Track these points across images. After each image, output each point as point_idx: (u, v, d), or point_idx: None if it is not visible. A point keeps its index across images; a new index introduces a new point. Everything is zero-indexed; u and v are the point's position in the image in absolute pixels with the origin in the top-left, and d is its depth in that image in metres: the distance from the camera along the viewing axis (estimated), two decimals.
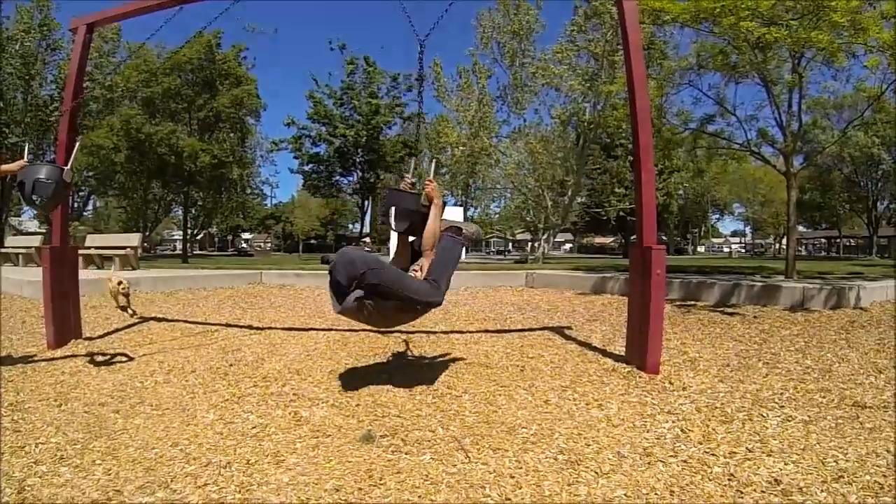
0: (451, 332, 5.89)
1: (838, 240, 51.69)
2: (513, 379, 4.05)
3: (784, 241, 33.30)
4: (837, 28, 7.74)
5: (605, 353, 4.81)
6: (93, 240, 14.86)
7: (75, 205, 31.40)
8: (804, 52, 9.70)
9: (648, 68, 10.16)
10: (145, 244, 31.66)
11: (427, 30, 4.26)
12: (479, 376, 4.10)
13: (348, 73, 23.86)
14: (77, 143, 5.25)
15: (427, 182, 3.70)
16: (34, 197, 4.26)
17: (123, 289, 5.23)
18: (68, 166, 4.53)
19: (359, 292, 3.18)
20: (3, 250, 15.63)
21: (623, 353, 4.62)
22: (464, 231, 3.86)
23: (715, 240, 68.57)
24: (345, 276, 3.17)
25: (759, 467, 2.52)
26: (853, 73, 11.49)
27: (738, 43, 9.13)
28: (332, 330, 6.01)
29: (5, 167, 4.29)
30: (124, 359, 4.65)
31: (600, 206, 29.09)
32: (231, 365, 4.51)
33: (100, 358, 4.66)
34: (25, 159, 4.37)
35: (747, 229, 64.47)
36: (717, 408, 3.34)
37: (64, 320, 5.21)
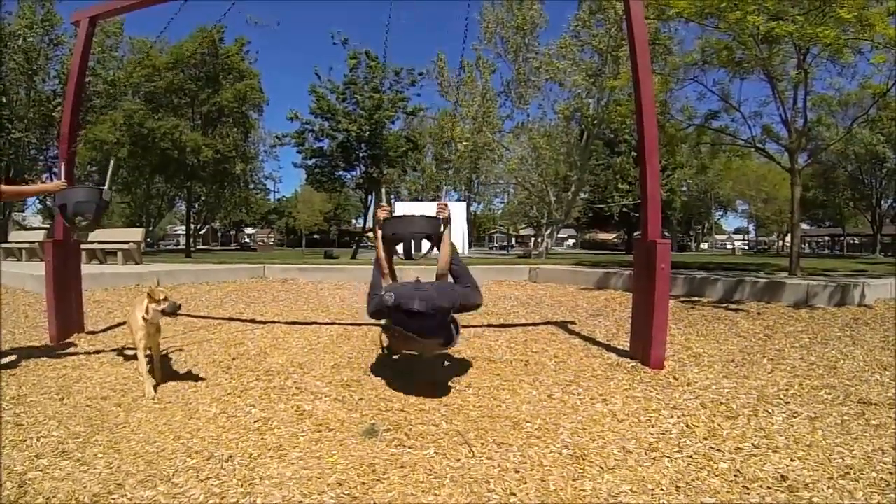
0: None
1: (842, 237, 51.54)
2: (517, 373, 4.04)
3: (787, 238, 33.21)
4: (844, 24, 7.68)
5: (609, 347, 4.79)
6: (96, 234, 14.82)
7: None
8: (810, 49, 9.65)
9: (653, 63, 10.10)
10: (148, 239, 31.71)
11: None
12: (483, 371, 4.09)
13: (351, 67, 23.79)
14: (112, 161, 5.46)
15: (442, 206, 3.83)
16: (77, 218, 4.46)
17: (163, 301, 3.74)
18: (105, 186, 4.66)
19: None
20: (7, 245, 15.64)
21: (627, 349, 4.61)
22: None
23: (718, 237, 68.38)
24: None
25: (764, 463, 2.51)
26: (859, 70, 11.41)
27: (743, 38, 9.07)
28: (335, 324, 6.00)
29: (45, 186, 4.44)
30: (127, 353, 4.64)
31: (603, 202, 29.06)
32: (234, 359, 4.51)
33: (102, 352, 4.66)
34: (62, 178, 4.66)
35: (751, 226, 64.32)
36: (722, 404, 3.33)
37: (67, 314, 5.20)
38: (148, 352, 3.79)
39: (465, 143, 22.64)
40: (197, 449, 2.70)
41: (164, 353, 4.74)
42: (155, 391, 3.61)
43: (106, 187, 4.64)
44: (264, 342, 5.13)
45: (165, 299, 3.77)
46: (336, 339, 5.24)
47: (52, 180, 25.82)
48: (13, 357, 4.08)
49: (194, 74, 25.18)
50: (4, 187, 4.11)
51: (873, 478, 2.37)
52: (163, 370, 3.97)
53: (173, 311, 3.81)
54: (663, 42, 13.85)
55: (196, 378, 3.96)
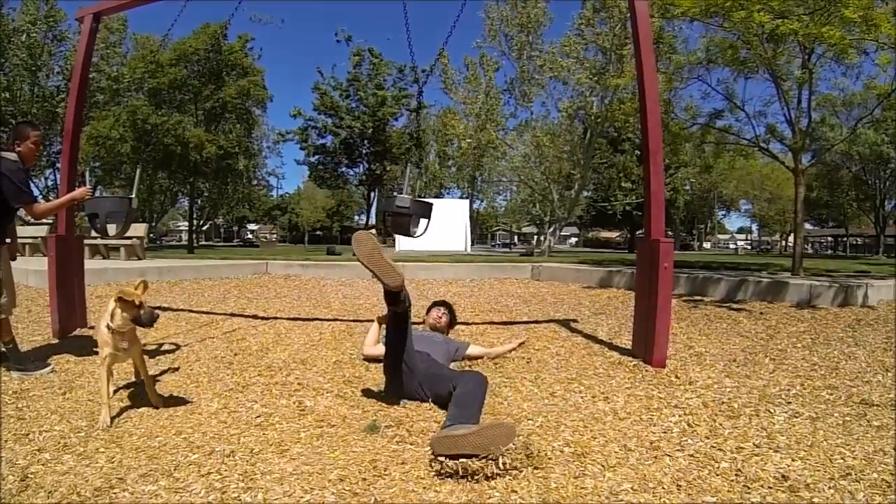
0: (458, 323, 5.87)
1: (845, 238, 51.43)
2: (518, 371, 4.04)
3: (790, 238, 33.12)
4: (849, 23, 7.64)
5: (611, 346, 4.78)
6: None
7: None
8: (815, 48, 9.62)
9: (657, 62, 10.10)
10: (151, 234, 31.77)
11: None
12: (485, 367, 4.08)
13: (354, 64, 23.84)
14: (138, 170, 5.59)
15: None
16: (108, 227, 4.63)
17: (136, 307, 2.94)
18: (133, 195, 4.77)
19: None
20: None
21: (629, 347, 4.61)
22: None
23: (721, 236, 68.28)
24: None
25: (766, 463, 2.50)
26: (864, 71, 11.41)
27: (748, 37, 9.05)
28: (337, 320, 6.00)
29: (71, 196, 4.56)
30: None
31: (606, 201, 28.99)
32: (236, 354, 4.52)
33: None
34: (88, 185, 4.87)
35: (754, 226, 64.22)
36: (723, 403, 3.32)
37: (69, 309, 5.20)
38: (144, 374, 3.23)
39: (468, 140, 22.61)
40: (198, 444, 2.70)
41: (161, 351, 4.75)
42: (160, 404, 3.19)
43: (133, 195, 4.77)
44: (266, 338, 5.14)
45: (140, 305, 2.94)
46: (338, 336, 5.25)
47: (55, 176, 25.90)
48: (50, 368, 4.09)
49: (198, 70, 25.14)
50: (36, 207, 4.14)
51: (874, 479, 2.36)
52: (159, 394, 3.30)
53: (150, 321, 3.00)
54: (668, 41, 13.86)
55: (198, 374, 3.97)
